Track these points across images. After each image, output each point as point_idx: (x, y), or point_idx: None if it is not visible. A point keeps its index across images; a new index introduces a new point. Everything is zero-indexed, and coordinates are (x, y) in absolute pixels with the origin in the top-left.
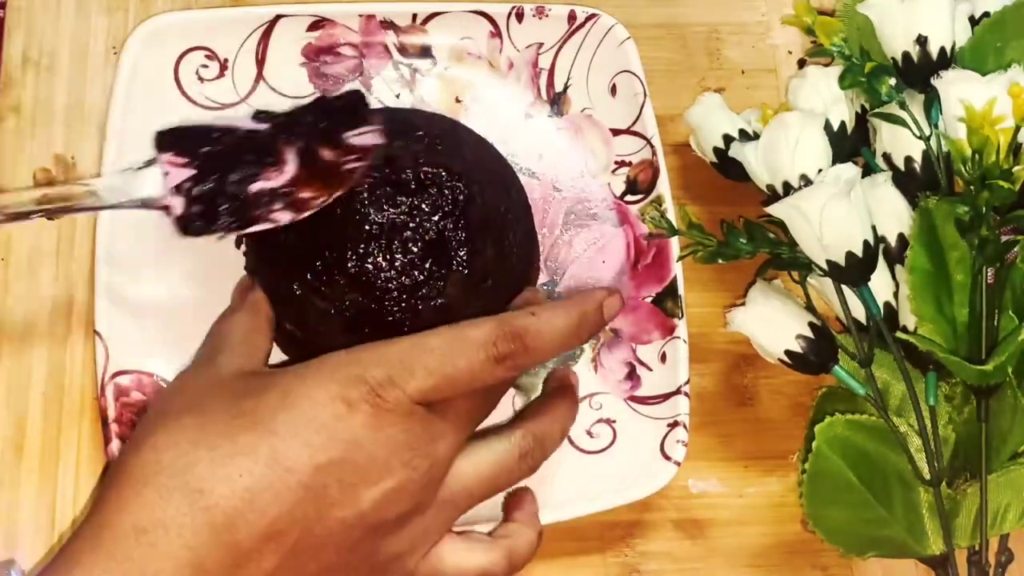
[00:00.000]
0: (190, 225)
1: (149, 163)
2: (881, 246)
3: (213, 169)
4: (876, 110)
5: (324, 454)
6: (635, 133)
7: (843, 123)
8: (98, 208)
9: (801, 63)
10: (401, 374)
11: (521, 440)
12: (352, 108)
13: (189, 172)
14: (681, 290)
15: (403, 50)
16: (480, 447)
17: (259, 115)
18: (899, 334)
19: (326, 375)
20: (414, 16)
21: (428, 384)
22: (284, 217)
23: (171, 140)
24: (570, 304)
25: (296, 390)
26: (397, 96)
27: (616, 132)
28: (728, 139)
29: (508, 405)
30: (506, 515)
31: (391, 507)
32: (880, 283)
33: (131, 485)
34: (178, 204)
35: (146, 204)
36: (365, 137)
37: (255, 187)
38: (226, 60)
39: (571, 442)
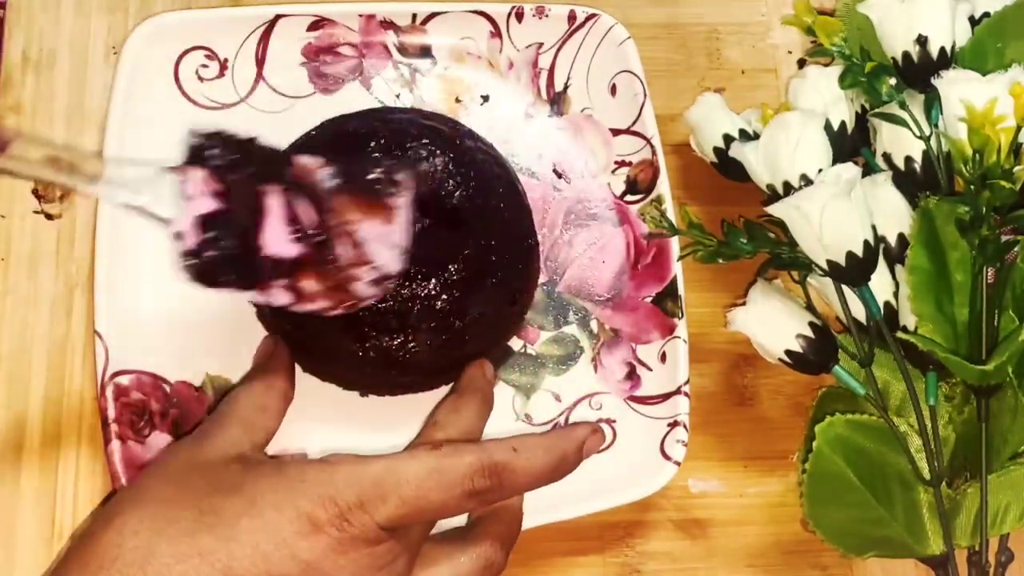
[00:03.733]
0: (193, 270)
1: (179, 168)
2: (881, 246)
3: (237, 210)
4: (876, 110)
5: (280, 569)
6: (635, 133)
7: (843, 123)
8: (106, 198)
9: (801, 63)
10: (373, 500)
11: (488, 551)
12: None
13: (213, 205)
14: (681, 290)
15: (403, 50)
16: (442, 559)
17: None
18: (899, 334)
19: (297, 489)
20: (414, 16)
21: (399, 513)
22: (282, 299)
23: (205, 151)
24: (551, 443)
25: (264, 498)
26: (397, 96)
27: (616, 132)
28: (728, 139)
29: (508, 406)
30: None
31: None
32: (880, 283)
33: (88, 567)
34: (191, 238)
35: (158, 219)
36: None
37: (269, 252)
38: (226, 60)
39: None
